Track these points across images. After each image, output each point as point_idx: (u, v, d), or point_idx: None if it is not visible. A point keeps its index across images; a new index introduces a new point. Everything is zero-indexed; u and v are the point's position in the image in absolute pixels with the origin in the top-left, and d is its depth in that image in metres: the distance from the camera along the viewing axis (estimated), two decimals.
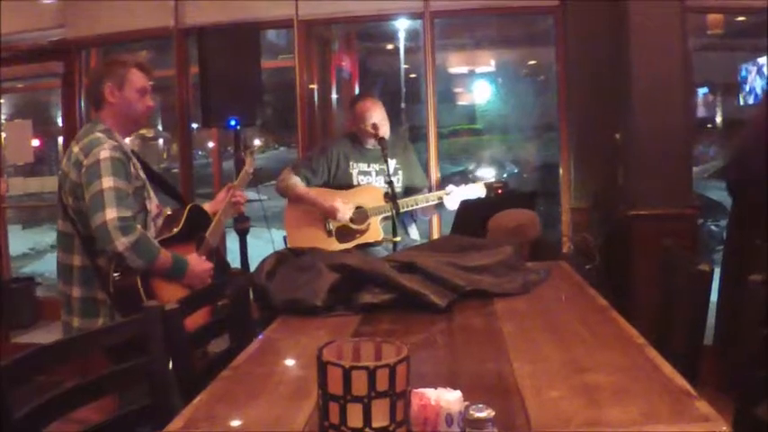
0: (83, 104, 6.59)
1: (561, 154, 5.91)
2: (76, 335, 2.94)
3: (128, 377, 2.29)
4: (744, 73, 9.45)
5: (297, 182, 4.71)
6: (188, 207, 3.58)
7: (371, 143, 4.70)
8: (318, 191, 4.72)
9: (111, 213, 3.06)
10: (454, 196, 4.74)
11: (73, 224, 3.28)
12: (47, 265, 10.27)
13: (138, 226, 3.16)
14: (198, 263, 3.41)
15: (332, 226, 4.69)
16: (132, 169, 3.29)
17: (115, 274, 3.15)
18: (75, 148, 3.25)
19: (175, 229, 3.44)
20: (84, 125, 3.47)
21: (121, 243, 3.05)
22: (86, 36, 6.43)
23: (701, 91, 11.36)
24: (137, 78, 3.42)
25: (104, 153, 3.15)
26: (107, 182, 3.10)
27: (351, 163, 4.78)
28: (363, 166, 4.79)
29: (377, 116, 4.71)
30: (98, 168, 3.13)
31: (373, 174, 4.78)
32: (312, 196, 4.69)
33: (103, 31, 6.36)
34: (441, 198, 4.78)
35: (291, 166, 4.90)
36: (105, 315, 3.30)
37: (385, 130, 4.72)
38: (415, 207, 4.76)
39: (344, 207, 4.64)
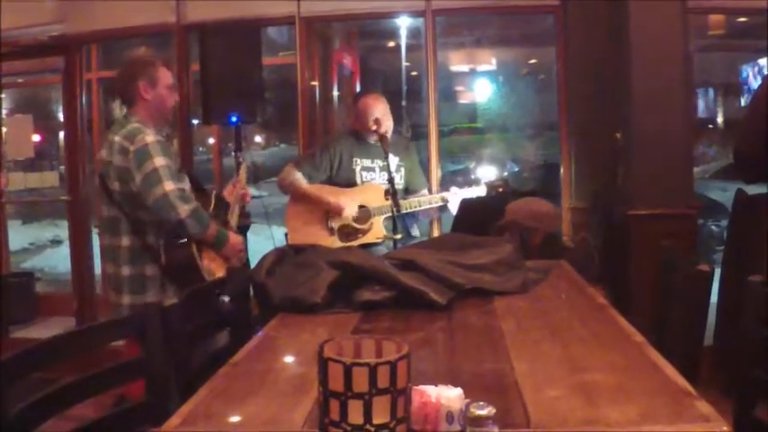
0: (83, 100, 6.58)
1: (561, 153, 5.90)
2: (74, 330, 2.98)
3: (125, 374, 2.28)
4: (745, 74, 9.46)
5: (299, 178, 4.68)
6: (214, 192, 3.90)
7: (374, 139, 4.68)
8: (321, 188, 4.70)
9: (169, 186, 3.37)
10: (457, 199, 4.74)
11: (119, 208, 3.51)
12: (46, 261, 10.28)
13: (193, 197, 3.52)
14: (234, 236, 3.73)
15: (334, 224, 4.67)
16: (173, 153, 3.59)
17: (181, 240, 3.47)
18: (117, 138, 3.48)
19: (209, 210, 3.72)
20: (117, 121, 3.72)
21: (184, 210, 3.37)
22: (87, 32, 6.42)
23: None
24: (166, 76, 3.70)
25: (150, 137, 3.45)
26: (159, 161, 3.39)
27: (354, 159, 4.76)
28: (367, 162, 4.77)
29: (379, 112, 4.69)
30: (148, 150, 3.41)
31: (377, 169, 4.76)
32: (316, 193, 4.67)
33: (104, 26, 6.34)
34: (444, 200, 4.77)
35: (294, 162, 4.88)
36: (154, 289, 3.55)
37: (387, 126, 4.70)
38: (418, 209, 4.74)
39: (350, 204, 4.63)
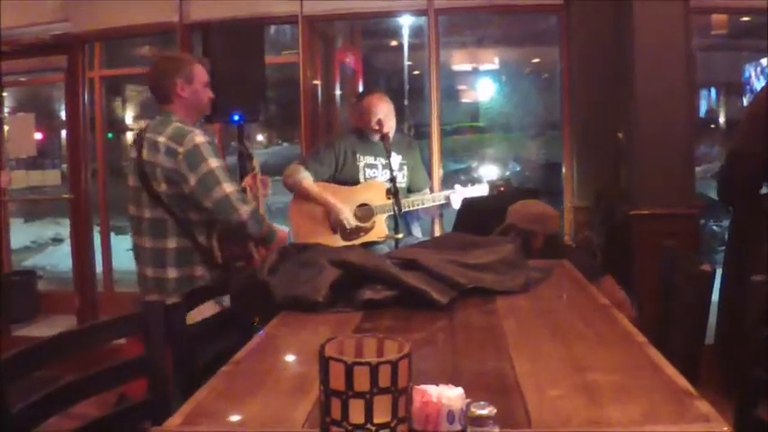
0: (86, 98, 6.59)
1: (564, 152, 5.91)
2: (76, 329, 2.97)
3: (127, 372, 2.29)
4: (747, 73, 9.45)
5: (306, 177, 4.68)
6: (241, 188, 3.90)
7: (377, 137, 4.69)
8: (326, 186, 4.71)
9: (229, 187, 3.44)
10: (460, 197, 4.74)
11: (166, 209, 3.50)
12: (48, 259, 10.29)
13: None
14: (282, 231, 3.78)
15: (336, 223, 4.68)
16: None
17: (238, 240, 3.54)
18: (161, 139, 3.46)
19: None
20: (156, 118, 3.66)
21: (245, 211, 3.45)
22: (90, 30, 6.43)
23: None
24: (201, 73, 3.73)
25: (200, 138, 3.47)
26: (213, 162, 3.43)
27: (358, 156, 4.76)
28: (370, 159, 4.77)
29: (382, 112, 4.69)
30: (200, 152, 3.43)
31: (380, 167, 4.76)
32: (321, 195, 4.67)
33: (107, 25, 6.35)
34: (447, 198, 4.77)
35: (299, 160, 4.89)
36: None
37: (390, 126, 4.71)
38: (420, 207, 4.75)
39: (350, 216, 4.64)
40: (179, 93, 3.62)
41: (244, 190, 3.84)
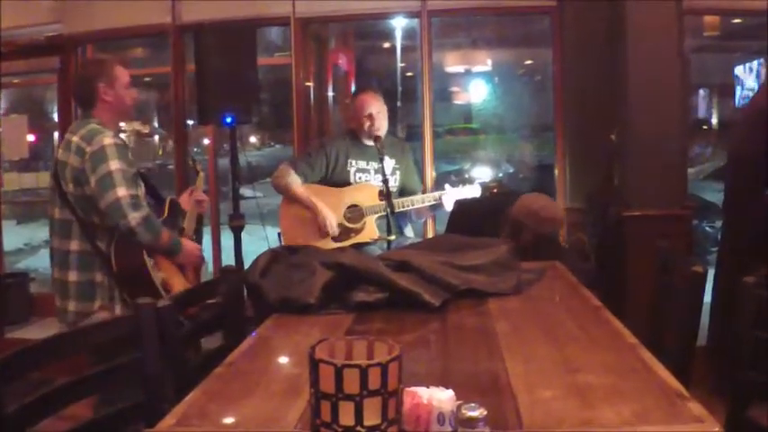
0: None
1: (557, 154, 5.92)
2: (69, 331, 2.97)
3: (120, 374, 2.28)
4: (739, 75, 9.46)
5: (294, 180, 4.67)
6: (168, 199, 3.86)
7: (370, 140, 4.69)
8: (315, 189, 4.70)
9: (122, 191, 3.30)
10: (451, 197, 4.74)
11: (72, 211, 3.44)
12: (41, 261, 10.23)
13: (145, 203, 3.46)
14: (189, 243, 3.72)
15: None
16: (130, 157, 3.50)
17: (131, 247, 3.39)
18: (74, 138, 3.43)
19: (162, 217, 3.68)
20: (76, 121, 3.66)
21: (134, 218, 3.30)
22: (83, 32, 6.43)
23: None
24: (123, 74, 3.64)
25: (108, 140, 3.38)
26: (114, 164, 3.33)
27: (349, 160, 4.75)
28: (362, 164, 4.77)
29: (373, 108, 4.70)
30: (104, 153, 3.35)
31: (372, 171, 4.76)
32: (309, 199, 4.66)
33: (100, 27, 6.35)
34: (438, 199, 4.77)
35: (289, 161, 4.88)
36: (103, 297, 3.48)
37: (381, 124, 4.70)
38: (411, 207, 4.74)
39: (335, 223, 4.64)
40: (102, 97, 3.56)
41: (172, 202, 3.81)
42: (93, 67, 3.69)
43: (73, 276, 3.47)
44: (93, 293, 3.47)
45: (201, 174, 4.14)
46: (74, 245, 3.46)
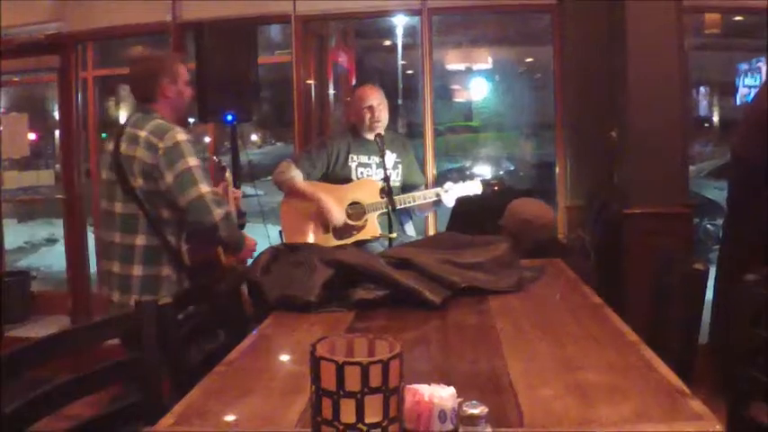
0: (79, 98, 6.58)
1: (557, 152, 5.91)
2: (69, 329, 2.97)
3: (120, 372, 2.28)
4: (740, 73, 9.45)
5: (296, 174, 4.67)
6: None
7: (371, 135, 4.68)
8: (316, 185, 4.69)
9: (205, 188, 3.33)
10: (452, 193, 4.74)
11: (139, 205, 3.40)
12: (42, 259, 10.28)
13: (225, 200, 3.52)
14: (250, 238, 3.76)
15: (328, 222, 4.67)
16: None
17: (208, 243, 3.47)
18: (142, 133, 3.39)
19: None
20: (135, 114, 3.59)
21: (218, 214, 3.33)
22: (83, 30, 6.42)
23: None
24: (184, 71, 3.65)
25: (181, 136, 3.38)
26: (192, 161, 3.35)
27: (350, 156, 4.74)
28: (364, 158, 4.76)
29: (374, 100, 4.69)
30: (180, 149, 3.34)
31: (373, 166, 4.75)
32: (312, 191, 4.65)
33: (100, 25, 6.34)
34: (438, 195, 4.77)
35: (291, 158, 4.88)
36: (168, 290, 3.40)
37: (382, 116, 4.69)
38: (412, 204, 4.74)
39: (340, 216, 4.63)
40: (165, 93, 3.55)
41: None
42: (156, 63, 3.64)
43: (138, 271, 3.43)
44: (158, 287, 3.42)
45: (228, 169, 4.12)
46: (140, 239, 3.42)
